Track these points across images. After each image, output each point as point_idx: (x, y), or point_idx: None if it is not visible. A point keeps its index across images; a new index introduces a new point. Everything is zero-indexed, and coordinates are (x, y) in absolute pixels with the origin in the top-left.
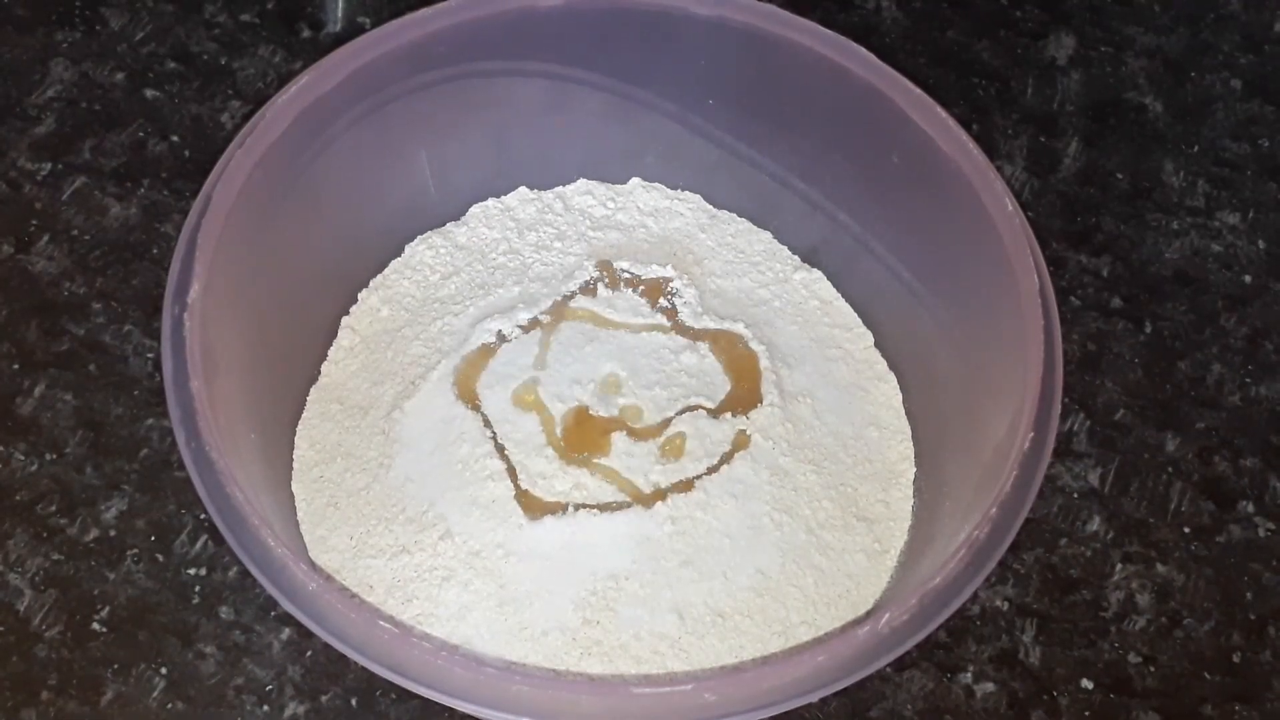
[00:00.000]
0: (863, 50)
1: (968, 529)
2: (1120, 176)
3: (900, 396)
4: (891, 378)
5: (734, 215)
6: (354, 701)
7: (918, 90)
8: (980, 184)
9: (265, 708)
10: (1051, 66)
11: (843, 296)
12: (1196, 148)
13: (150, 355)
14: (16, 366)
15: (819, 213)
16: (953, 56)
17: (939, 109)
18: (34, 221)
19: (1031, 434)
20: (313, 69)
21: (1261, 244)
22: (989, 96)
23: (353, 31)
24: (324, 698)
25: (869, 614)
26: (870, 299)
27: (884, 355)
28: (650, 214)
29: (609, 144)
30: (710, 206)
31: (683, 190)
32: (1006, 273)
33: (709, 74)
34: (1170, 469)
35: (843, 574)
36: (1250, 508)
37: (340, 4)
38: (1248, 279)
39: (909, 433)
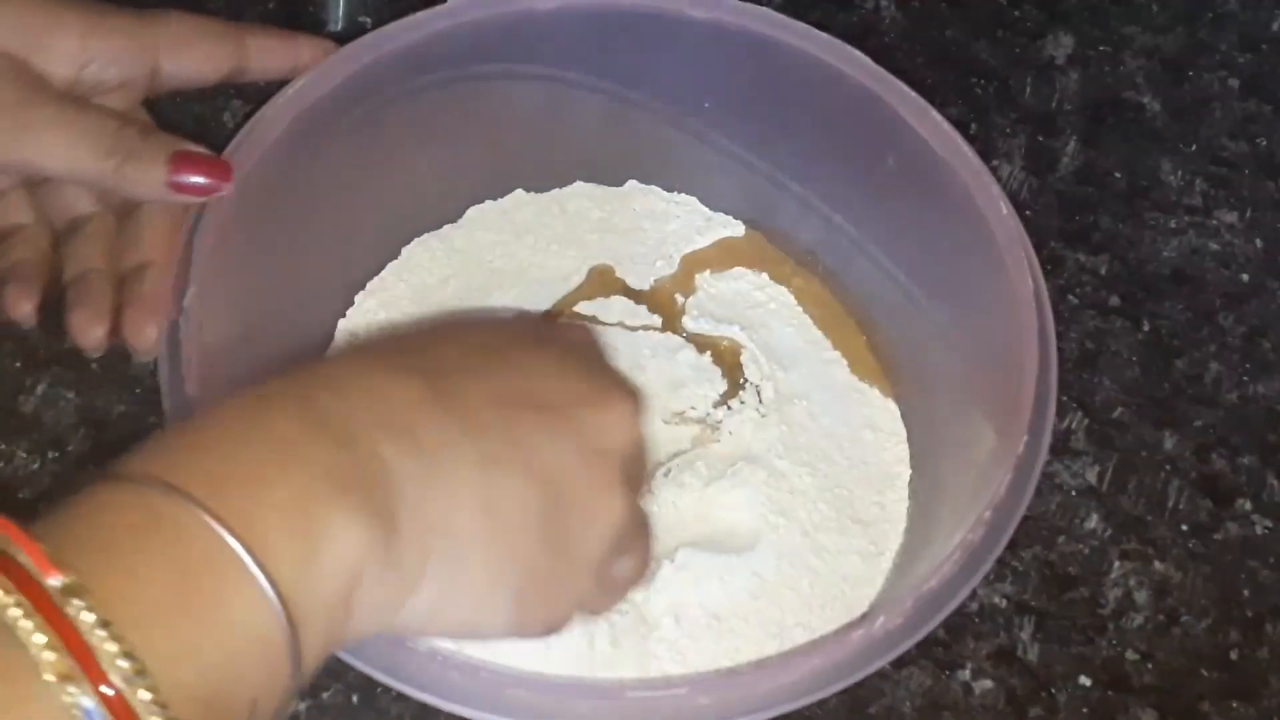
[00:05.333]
0: (858, 53)
1: (962, 531)
2: (1118, 175)
3: (896, 399)
4: (887, 381)
5: (730, 218)
6: (355, 699)
7: (913, 93)
8: (975, 186)
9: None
10: (1050, 66)
11: (839, 298)
12: (1194, 147)
13: None
14: (19, 364)
15: (815, 215)
16: (951, 56)
17: (934, 112)
18: None
19: (1026, 437)
20: (310, 72)
21: (1259, 243)
22: (987, 96)
23: (354, 31)
24: (325, 695)
25: (864, 616)
26: (867, 301)
27: (880, 357)
28: (647, 217)
29: (606, 147)
30: (706, 209)
31: (679, 193)
32: (1002, 275)
33: (705, 77)
34: (1168, 467)
35: (838, 576)
36: (1248, 505)
37: (341, 4)
38: (1245, 277)
39: (904, 435)
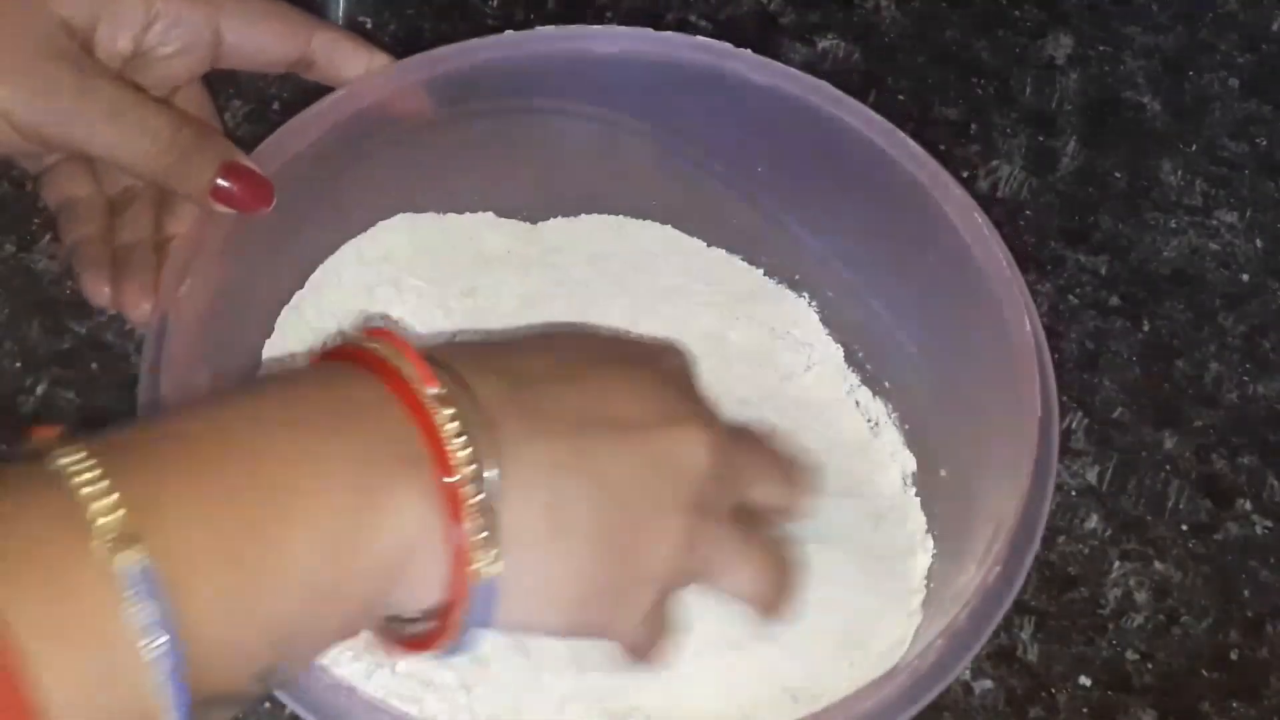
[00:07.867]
0: (910, 142)
1: (936, 629)
2: (1118, 175)
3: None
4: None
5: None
6: None
7: (959, 190)
8: (1005, 297)
9: (266, 705)
10: (1050, 66)
11: (870, 385)
12: (1194, 147)
13: None
14: (19, 365)
15: (855, 298)
16: (952, 56)
17: (977, 213)
18: (36, 220)
19: (1014, 534)
20: (353, 83)
21: (1259, 243)
22: (987, 96)
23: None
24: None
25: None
26: (897, 392)
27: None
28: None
29: (653, 195)
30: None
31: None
32: (1015, 395)
33: (760, 141)
34: (1168, 467)
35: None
36: (1248, 505)
37: (341, 4)
38: (1245, 278)
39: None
